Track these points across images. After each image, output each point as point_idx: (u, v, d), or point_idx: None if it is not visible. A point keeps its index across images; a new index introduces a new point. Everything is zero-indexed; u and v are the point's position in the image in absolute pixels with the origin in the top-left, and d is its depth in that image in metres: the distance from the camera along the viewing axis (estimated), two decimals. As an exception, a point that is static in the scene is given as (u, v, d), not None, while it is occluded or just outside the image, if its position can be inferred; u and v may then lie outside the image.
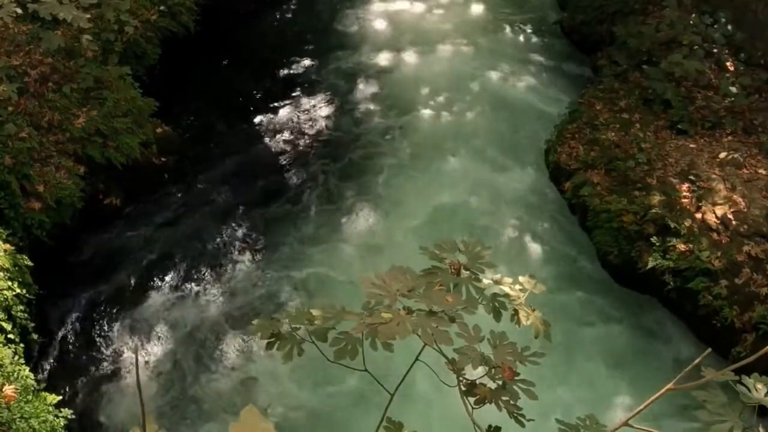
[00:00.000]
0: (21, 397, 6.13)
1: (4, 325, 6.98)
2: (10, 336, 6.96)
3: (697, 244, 8.64)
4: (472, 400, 2.71)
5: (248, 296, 9.01)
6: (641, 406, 2.66)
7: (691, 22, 11.47)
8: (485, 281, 2.98)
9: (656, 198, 9.21)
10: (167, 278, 9.16)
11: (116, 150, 9.53)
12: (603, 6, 12.77)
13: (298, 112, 11.85)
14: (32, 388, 6.46)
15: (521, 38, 13.65)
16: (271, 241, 9.66)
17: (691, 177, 9.39)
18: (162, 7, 11.59)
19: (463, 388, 2.73)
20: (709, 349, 2.77)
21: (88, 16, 7.90)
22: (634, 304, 9.06)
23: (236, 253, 9.52)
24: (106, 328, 8.56)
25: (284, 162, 10.94)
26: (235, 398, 7.93)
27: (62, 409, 6.51)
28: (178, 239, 9.62)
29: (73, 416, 6.75)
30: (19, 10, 7.55)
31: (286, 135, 11.41)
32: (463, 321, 2.75)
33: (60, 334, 8.41)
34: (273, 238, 9.72)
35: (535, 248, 9.73)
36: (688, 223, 8.85)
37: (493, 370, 2.73)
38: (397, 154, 11.05)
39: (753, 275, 8.33)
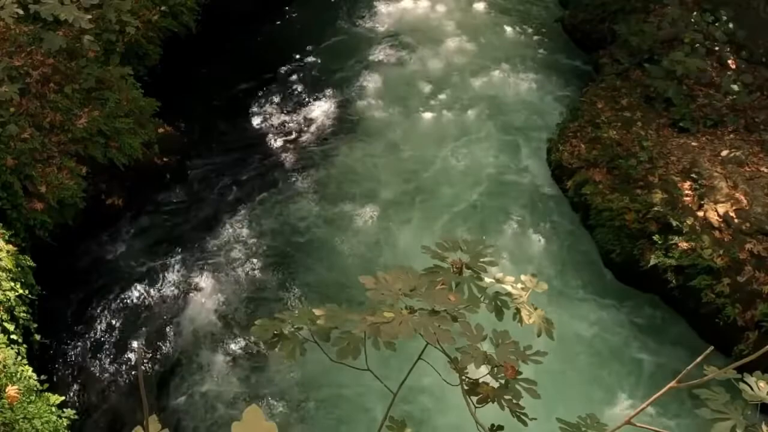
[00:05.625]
0: (24, 398, 6.14)
1: (7, 325, 7.00)
2: (13, 336, 6.98)
3: (700, 242, 8.63)
4: (474, 399, 2.71)
5: (249, 297, 9.03)
6: (643, 405, 2.66)
7: (693, 20, 11.46)
8: (487, 280, 2.97)
9: (658, 196, 9.19)
10: (169, 278, 9.17)
11: (118, 150, 9.55)
12: (605, 4, 12.76)
13: (300, 110, 11.85)
14: (35, 389, 6.47)
15: (522, 36, 13.64)
16: (274, 241, 9.67)
17: (693, 175, 9.38)
18: (163, 8, 11.58)
19: (466, 387, 2.73)
20: (712, 347, 2.77)
21: (90, 16, 7.88)
22: (636, 301, 9.06)
23: (238, 253, 9.52)
24: (108, 328, 8.57)
25: (287, 161, 10.94)
26: (238, 394, 7.94)
27: (65, 410, 6.52)
28: (179, 239, 9.64)
29: (76, 416, 6.76)
30: (21, 11, 7.54)
31: (289, 134, 11.41)
32: (466, 320, 2.75)
33: (62, 334, 8.42)
34: (275, 238, 9.73)
35: (536, 246, 9.72)
36: (690, 221, 8.84)
37: (495, 368, 2.73)
38: (399, 152, 11.05)
39: (755, 273, 8.31)
